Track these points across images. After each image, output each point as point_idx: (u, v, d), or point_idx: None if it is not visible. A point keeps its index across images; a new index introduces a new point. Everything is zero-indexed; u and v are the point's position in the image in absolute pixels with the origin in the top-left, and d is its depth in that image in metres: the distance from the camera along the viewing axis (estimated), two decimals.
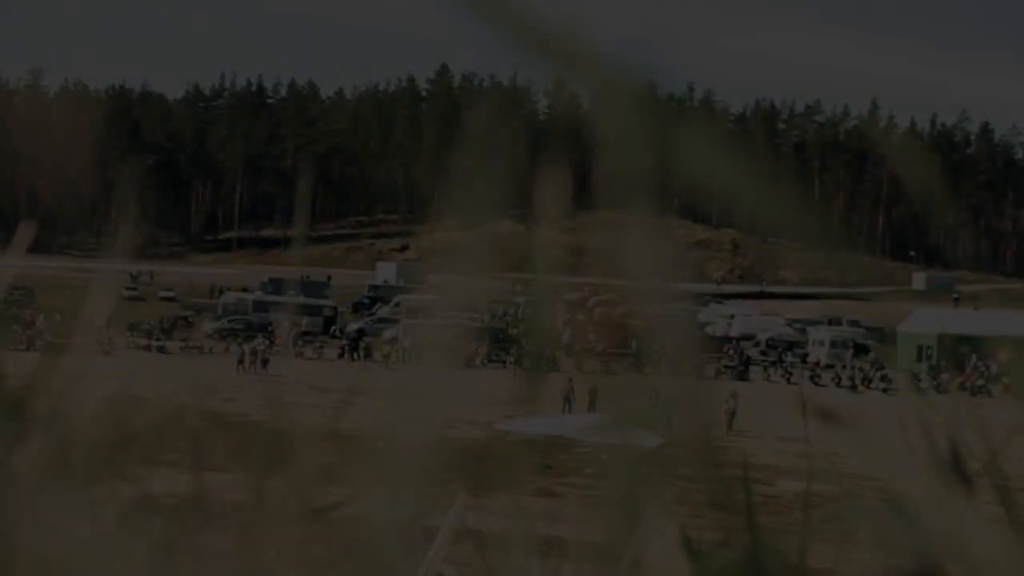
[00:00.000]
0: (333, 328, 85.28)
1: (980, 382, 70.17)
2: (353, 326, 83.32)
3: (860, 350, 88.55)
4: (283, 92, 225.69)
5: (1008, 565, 1.14)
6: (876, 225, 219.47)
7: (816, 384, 70.72)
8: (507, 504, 1.45)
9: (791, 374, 72.88)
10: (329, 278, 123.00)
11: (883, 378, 70.94)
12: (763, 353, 78.92)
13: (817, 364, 77.33)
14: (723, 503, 1.24)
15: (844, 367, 76.98)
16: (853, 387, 69.49)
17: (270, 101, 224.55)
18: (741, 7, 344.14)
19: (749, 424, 48.49)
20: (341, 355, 72.07)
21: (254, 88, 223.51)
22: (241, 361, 61.84)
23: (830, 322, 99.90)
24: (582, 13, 1.14)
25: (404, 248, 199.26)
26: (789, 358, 78.11)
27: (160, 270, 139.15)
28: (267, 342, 71.90)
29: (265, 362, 61.80)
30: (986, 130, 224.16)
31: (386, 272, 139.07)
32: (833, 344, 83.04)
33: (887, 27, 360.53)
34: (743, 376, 71.23)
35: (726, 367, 72.16)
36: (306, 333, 79.03)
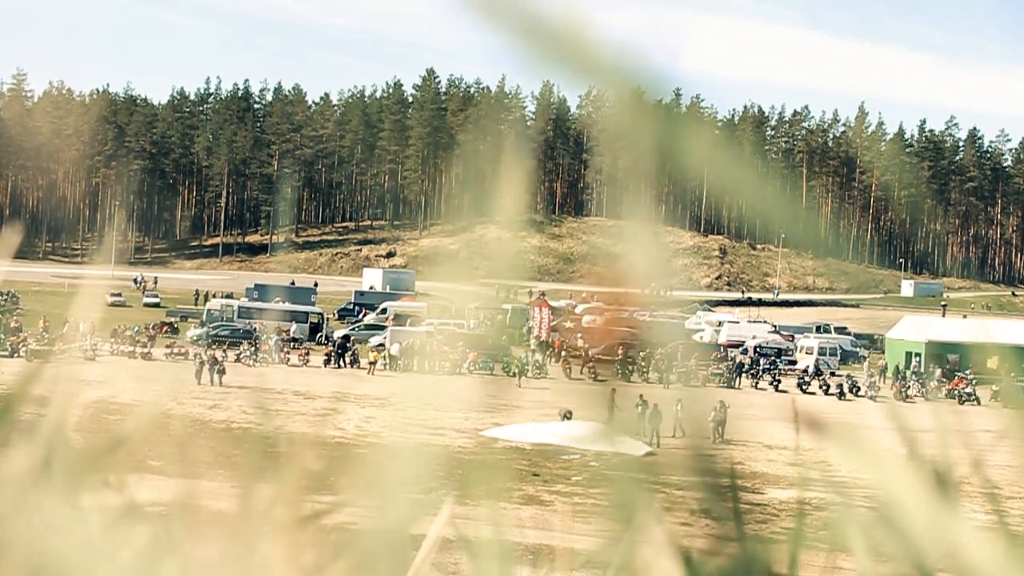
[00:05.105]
0: (320, 335, 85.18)
1: (968, 389, 70.30)
2: (339, 333, 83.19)
3: (852, 357, 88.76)
4: (269, 97, 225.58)
5: (996, 572, 1.14)
6: (865, 232, 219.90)
7: (804, 391, 70.75)
8: (494, 511, 1.47)
9: (779, 381, 72.86)
10: (316, 284, 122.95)
11: (871, 386, 71.05)
12: (752, 360, 78.91)
13: (806, 371, 77.37)
14: (712, 511, 1.23)
15: (833, 374, 77.14)
16: (841, 394, 69.53)
17: (256, 106, 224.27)
18: (729, 10, 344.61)
19: (738, 432, 48.43)
20: (327, 362, 71.89)
21: (240, 93, 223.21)
22: (200, 373, 60.12)
23: (818, 329, 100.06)
24: (578, 15, 1.13)
25: (391, 254, 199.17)
26: (778, 365, 78.14)
27: (161, 276, 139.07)
28: (252, 348, 71.79)
29: (222, 372, 60.27)
30: (974, 136, 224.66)
31: (372, 278, 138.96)
32: (821, 351, 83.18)
33: (876, 33, 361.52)
34: (731, 383, 71.23)
35: (714, 374, 72.13)
36: (292, 339, 78.91)
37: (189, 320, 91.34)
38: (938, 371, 76.18)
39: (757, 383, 72.91)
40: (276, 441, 1.34)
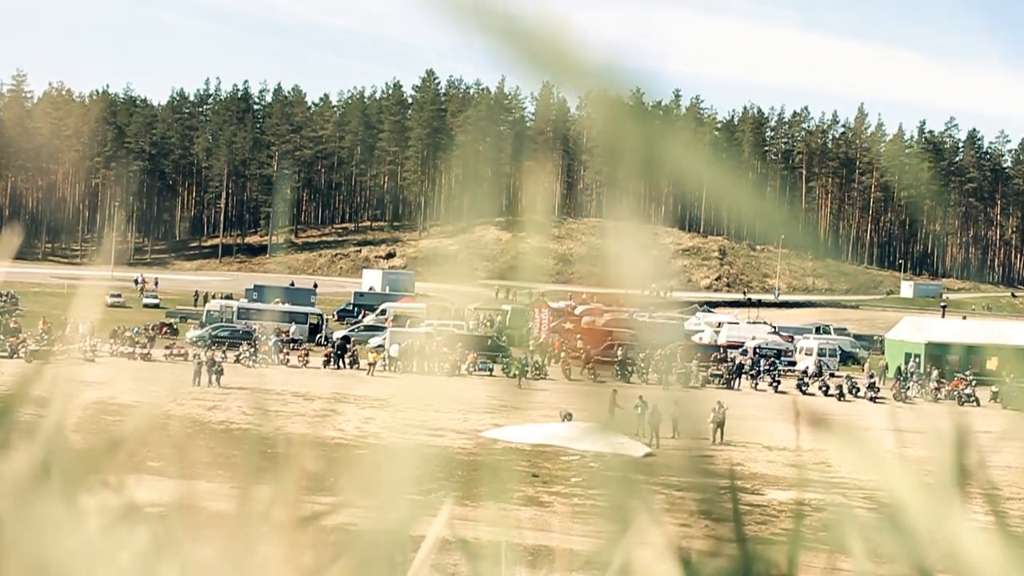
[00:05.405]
0: (319, 335, 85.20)
1: (967, 391, 70.30)
2: (339, 334, 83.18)
3: (852, 358, 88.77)
4: (269, 98, 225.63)
5: (996, 573, 1.15)
6: (864, 233, 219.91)
7: (803, 392, 70.70)
8: (494, 512, 1.46)
9: (779, 382, 72.78)
10: (315, 285, 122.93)
11: (871, 387, 71.02)
12: (753, 362, 78.86)
13: (805, 372, 77.33)
14: (711, 512, 1.23)
15: (832, 375, 77.12)
16: (841, 395, 69.47)
17: (256, 107, 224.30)
18: (728, 11, 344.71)
19: (737, 433, 48.37)
20: (327, 363, 71.85)
21: (240, 93, 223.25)
22: (197, 374, 59.75)
23: (818, 330, 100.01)
24: (569, 19, 1.13)
25: (390, 255, 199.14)
26: (777, 366, 78.06)
27: (160, 277, 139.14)
28: (251, 349, 71.79)
29: (220, 373, 59.97)
30: (974, 137, 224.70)
31: (372, 279, 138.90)
32: (821, 352, 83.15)
33: (876, 33, 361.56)
34: (731, 384, 71.22)
35: (714, 375, 72.11)
36: (292, 340, 78.90)
37: (188, 321, 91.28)
38: (935, 372, 76.15)
39: (757, 384, 72.90)
40: (275, 442, 1.33)
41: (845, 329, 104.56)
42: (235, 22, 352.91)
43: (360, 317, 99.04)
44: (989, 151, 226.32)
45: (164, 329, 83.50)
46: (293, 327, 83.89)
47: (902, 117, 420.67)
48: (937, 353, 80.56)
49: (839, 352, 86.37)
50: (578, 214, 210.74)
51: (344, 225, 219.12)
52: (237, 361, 68.60)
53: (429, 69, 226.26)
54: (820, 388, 71.93)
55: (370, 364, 69.41)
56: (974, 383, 71.50)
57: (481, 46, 1.10)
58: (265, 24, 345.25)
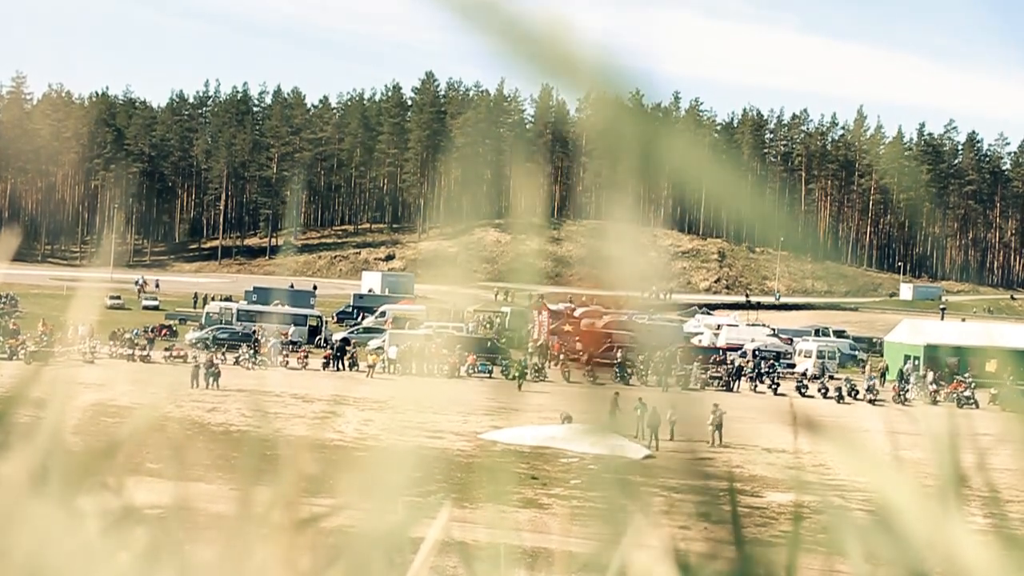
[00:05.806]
0: (318, 337, 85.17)
1: (967, 393, 70.26)
2: (338, 335, 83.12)
3: (851, 360, 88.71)
4: (268, 100, 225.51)
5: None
6: (864, 235, 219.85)
7: (802, 395, 70.63)
8: (493, 514, 1.45)
9: (778, 385, 72.74)
10: (315, 287, 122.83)
11: (870, 389, 71.01)
12: (754, 365, 78.73)
13: (804, 375, 77.29)
14: (710, 514, 1.23)
15: (831, 377, 77.06)
16: (840, 398, 69.45)
17: (255, 109, 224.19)
18: (728, 14, 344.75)
19: (736, 435, 48.30)
20: (326, 365, 71.87)
21: (239, 95, 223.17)
22: (195, 376, 59.81)
23: (817, 332, 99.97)
24: (567, 20, 1.13)
25: (390, 257, 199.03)
26: (776, 369, 77.97)
27: (159, 279, 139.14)
28: (251, 351, 71.78)
29: (217, 375, 59.95)
30: (973, 140, 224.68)
31: (371, 281, 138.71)
32: (820, 355, 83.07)
33: (875, 36, 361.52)
34: (730, 387, 71.19)
35: (713, 378, 72.07)
36: (291, 342, 78.89)
37: (188, 323, 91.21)
38: (930, 374, 76.08)
39: (756, 386, 72.86)
40: (274, 444, 1.34)
41: (844, 331, 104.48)
42: (235, 23, 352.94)
43: (359, 319, 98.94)
44: (988, 153, 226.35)
45: (163, 331, 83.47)
46: (292, 329, 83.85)
47: (901, 119, 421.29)
48: (936, 355, 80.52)
49: (838, 354, 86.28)
50: (577, 216, 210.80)
51: (343, 227, 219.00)
52: (237, 363, 68.59)
53: (428, 71, 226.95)
54: (819, 390, 71.88)
55: (369, 366, 69.41)
56: (973, 385, 71.46)
57: (481, 47, 1.10)
58: (265, 26, 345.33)
